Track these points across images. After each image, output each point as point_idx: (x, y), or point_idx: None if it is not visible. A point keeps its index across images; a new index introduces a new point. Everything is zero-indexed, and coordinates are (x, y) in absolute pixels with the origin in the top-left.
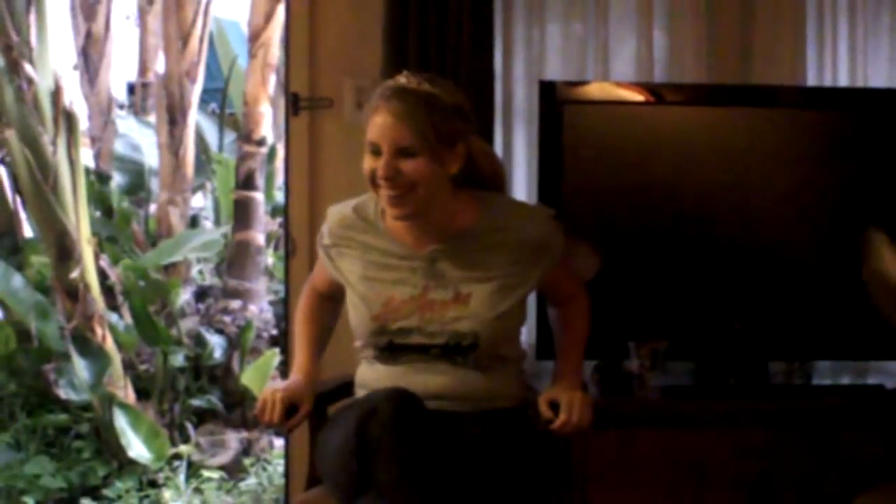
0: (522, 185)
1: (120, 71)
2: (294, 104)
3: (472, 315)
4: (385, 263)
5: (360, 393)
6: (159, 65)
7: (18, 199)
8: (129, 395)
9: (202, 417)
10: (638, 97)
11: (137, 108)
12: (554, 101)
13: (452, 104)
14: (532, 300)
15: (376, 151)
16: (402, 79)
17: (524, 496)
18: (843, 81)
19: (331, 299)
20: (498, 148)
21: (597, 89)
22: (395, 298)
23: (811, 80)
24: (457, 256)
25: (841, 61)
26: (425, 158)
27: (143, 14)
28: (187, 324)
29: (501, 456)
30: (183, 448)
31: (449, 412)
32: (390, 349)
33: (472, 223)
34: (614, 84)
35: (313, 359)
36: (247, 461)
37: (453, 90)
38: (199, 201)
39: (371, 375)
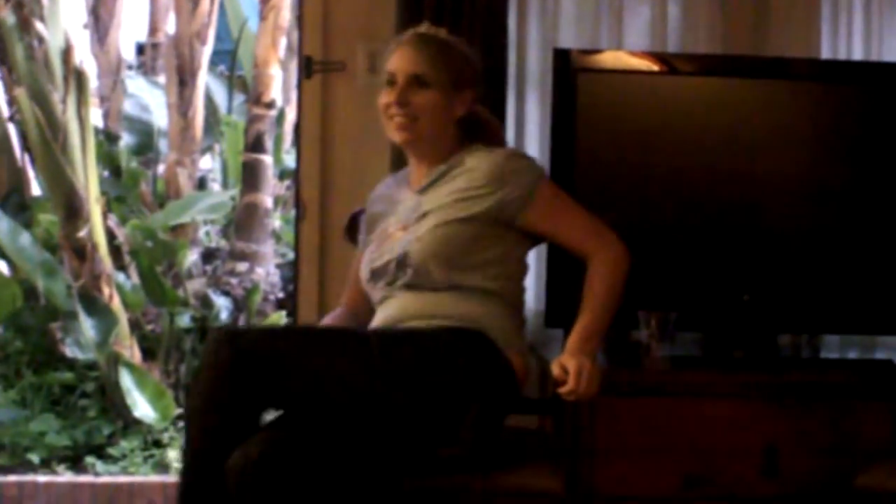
0: (535, 153)
1: (129, 31)
2: (307, 67)
3: (416, 231)
4: (395, 210)
5: None
6: (169, 25)
7: (27, 157)
8: (136, 355)
9: None
10: (652, 66)
11: (147, 68)
12: (568, 69)
13: (465, 53)
14: (540, 268)
15: (391, 82)
16: (422, 27)
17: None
18: (858, 55)
19: (357, 318)
20: (510, 115)
21: (611, 58)
22: (385, 231)
23: (825, 53)
24: (434, 189)
25: (856, 34)
26: (435, 92)
27: None
28: (194, 285)
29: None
30: None
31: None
32: (373, 277)
33: (449, 158)
34: (629, 53)
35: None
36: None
37: (468, 46)
38: (207, 163)
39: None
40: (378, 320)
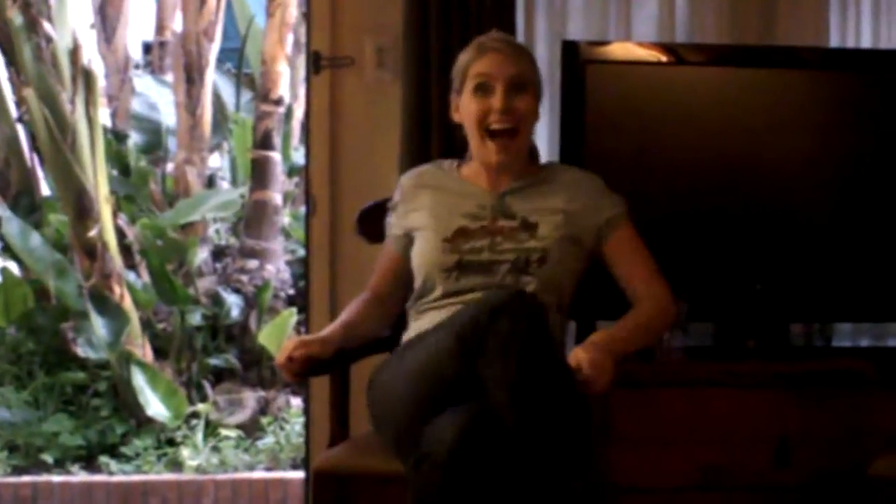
0: (544, 145)
1: (136, 30)
2: (315, 63)
3: (540, 237)
4: (455, 201)
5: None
6: (177, 23)
7: (36, 158)
8: (147, 354)
9: (219, 376)
10: (660, 57)
11: (155, 66)
12: (576, 60)
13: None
14: None
15: (485, 88)
16: (497, 33)
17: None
18: (866, 43)
19: (383, 305)
20: None
21: (619, 49)
22: (467, 228)
23: (834, 42)
24: (523, 195)
25: (864, 22)
26: (531, 97)
27: None
28: (204, 283)
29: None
30: (200, 407)
31: None
32: (459, 268)
33: (536, 170)
34: (637, 44)
35: (341, 326)
36: (264, 420)
37: None
38: (216, 161)
39: (427, 322)
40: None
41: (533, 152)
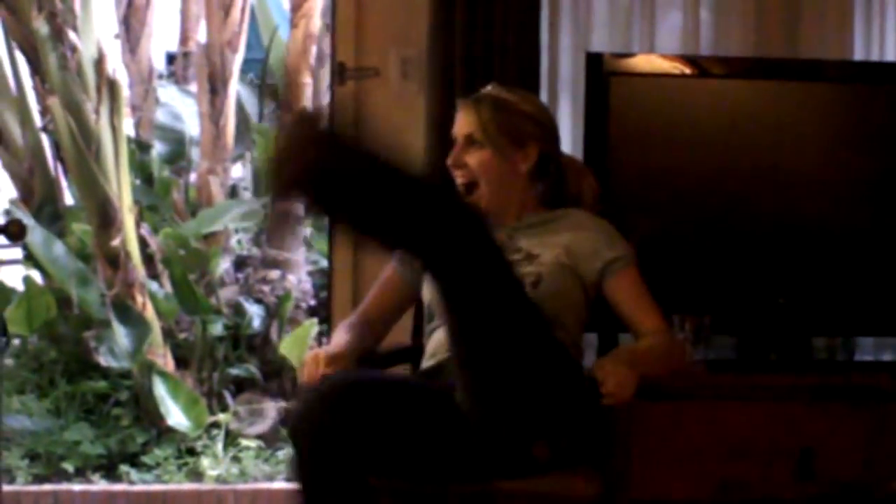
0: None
1: (160, 40)
2: (340, 74)
3: (538, 263)
4: None
5: (427, 363)
6: (201, 34)
7: (60, 167)
8: (169, 364)
9: (240, 386)
10: (684, 69)
11: (179, 77)
12: (600, 72)
13: (524, 109)
14: None
15: (453, 144)
16: (488, 88)
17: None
18: (891, 56)
19: (371, 327)
20: None
21: (643, 62)
22: None
23: (858, 55)
24: (532, 232)
25: (889, 35)
26: (489, 151)
27: None
28: (226, 293)
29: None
30: (221, 417)
31: None
32: None
33: (548, 212)
34: (661, 56)
35: (359, 338)
36: (284, 431)
37: (533, 101)
38: (239, 171)
39: (434, 342)
40: None
41: (549, 195)
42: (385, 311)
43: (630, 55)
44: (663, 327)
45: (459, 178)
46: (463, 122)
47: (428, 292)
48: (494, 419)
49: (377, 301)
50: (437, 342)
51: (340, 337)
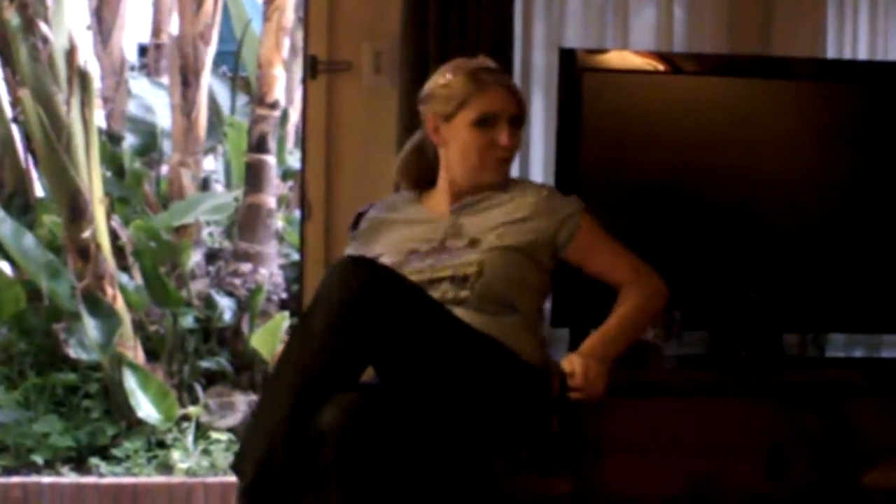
0: (539, 151)
1: (131, 32)
2: (312, 67)
3: (480, 251)
4: (413, 230)
5: None
6: (173, 26)
7: (31, 159)
8: (139, 356)
9: (211, 379)
10: (657, 66)
11: (150, 69)
12: (573, 68)
13: None
14: None
15: (487, 122)
16: (487, 60)
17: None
18: (863, 54)
19: None
20: None
21: (617, 58)
22: (417, 250)
23: (831, 53)
24: (474, 211)
25: (861, 34)
26: (520, 130)
27: None
28: (197, 286)
29: (488, 393)
30: (192, 409)
31: None
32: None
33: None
34: (634, 53)
35: None
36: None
37: None
38: (211, 164)
39: None
40: None
41: None
42: None
43: (603, 51)
44: (635, 276)
45: (508, 154)
46: (507, 102)
47: None
48: (445, 444)
49: None
50: None
51: None
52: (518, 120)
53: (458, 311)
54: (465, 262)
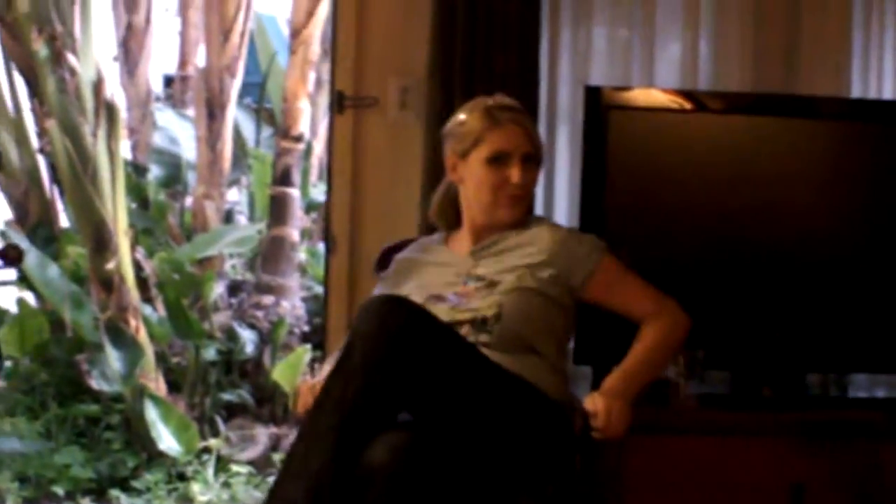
0: (564, 189)
1: (158, 63)
2: (339, 102)
3: (499, 293)
4: (437, 271)
5: None
6: (199, 58)
7: (56, 189)
8: (161, 388)
9: (232, 412)
10: (683, 104)
11: (176, 100)
12: (599, 105)
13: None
14: None
15: (500, 160)
16: (504, 98)
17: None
18: (888, 94)
19: None
20: None
21: (642, 95)
22: (441, 294)
23: (856, 92)
24: (491, 253)
25: (886, 73)
26: (537, 168)
27: (184, 7)
28: (220, 318)
29: (517, 430)
30: (212, 442)
31: None
32: None
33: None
34: (660, 90)
35: None
36: (276, 456)
37: None
38: (235, 196)
39: None
40: None
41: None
42: None
43: (628, 88)
44: (656, 308)
45: (520, 193)
46: (520, 140)
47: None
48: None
49: None
50: None
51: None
52: (532, 158)
53: (483, 352)
54: (484, 304)
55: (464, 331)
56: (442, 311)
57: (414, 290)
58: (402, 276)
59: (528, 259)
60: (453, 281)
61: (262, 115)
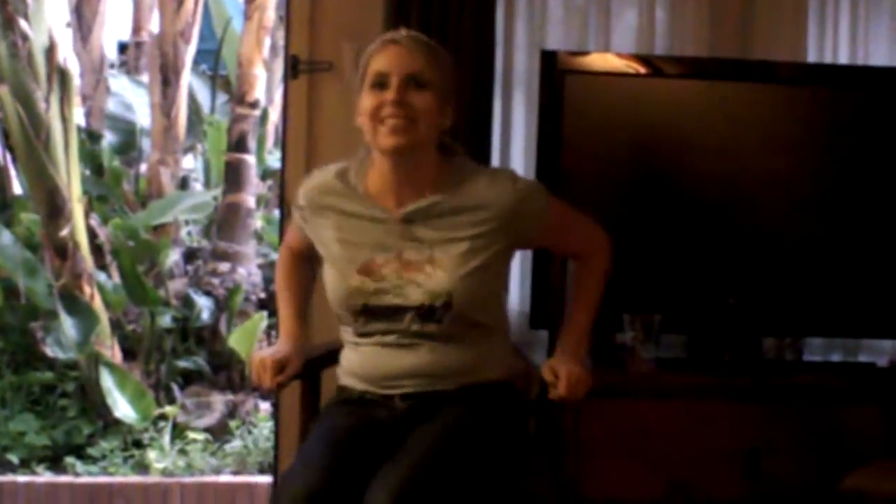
0: (520, 153)
1: (111, 29)
2: (293, 67)
3: (444, 276)
4: (363, 227)
5: (343, 378)
6: (153, 24)
7: (9, 156)
8: (116, 355)
9: (188, 379)
10: (639, 69)
11: (130, 67)
12: (555, 70)
13: (450, 63)
14: (525, 269)
15: (382, 83)
16: (407, 31)
17: (510, 471)
18: (844, 59)
19: (307, 259)
20: (497, 116)
21: (598, 60)
22: (374, 261)
23: (811, 57)
24: (429, 218)
25: (842, 38)
26: (433, 94)
27: None
28: (175, 285)
29: (486, 435)
30: (168, 409)
31: (430, 392)
32: (365, 313)
33: (440, 182)
34: (616, 55)
35: (299, 323)
36: (232, 423)
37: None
38: (190, 163)
39: (351, 358)
40: (410, 367)
41: (449, 152)
42: (308, 249)
43: (585, 53)
44: (590, 245)
45: (398, 118)
46: (403, 61)
47: (330, 298)
48: None
49: (301, 242)
50: (354, 361)
51: (286, 328)
52: (420, 81)
53: (425, 348)
54: (430, 291)
55: (408, 318)
56: (385, 288)
57: (339, 253)
58: (321, 217)
59: (475, 229)
60: (386, 244)
61: (217, 81)
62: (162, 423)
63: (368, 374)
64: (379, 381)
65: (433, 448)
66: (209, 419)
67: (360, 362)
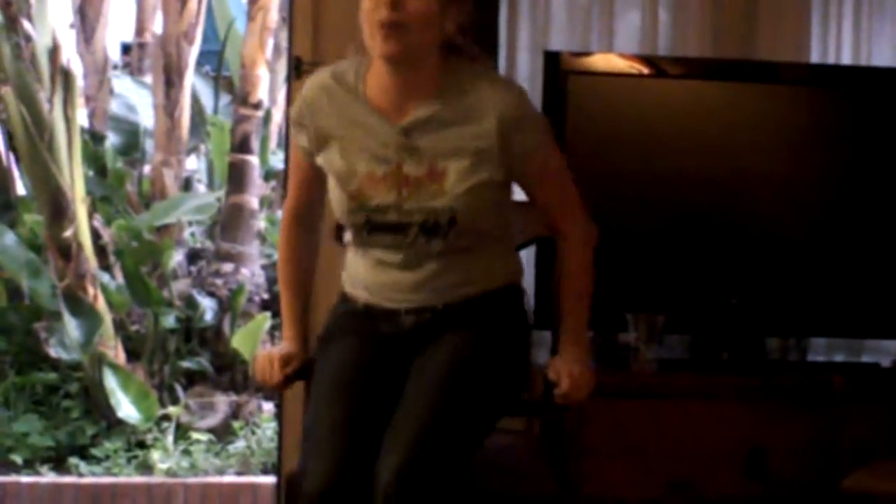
0: None
1: (114, 30)
2: (296, 68)
3: (447, 191)
4: (362, 135)
5: (347, 286)
6: (157, 25)
7: (13, 157)
8: (120, 356)
9: (192, 379)
10: (642, 69)
11: (133, 68)
12: (558, 71)
13: None
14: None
15: None
16: None
17: (514, 390)
18: (847, 60)
19: (310, 227)
20: None
21: (601, 61)
22: (374, 174)
23: (815, 58)
24: (429, 129)
25: (845, 39)
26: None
27: None
28: (179, 286)
29: (491, 368)
30: (172, 409)
31: (435, 307)
32: (367, 228)
33: (443, 88)
34: (619, 56)
35: (300, 327)
36: (236, 424)
37: None
38: (193, 164)
39: (355, 267)
40: (413, 281)
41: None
42: (314, 202)
43: (588, 54)
44: (576, 222)
45: (391, 17)
46: None
47: (333, 209)
48: None
49: (302, 188)
50: (358, 271)
51: (288, 326)
52: None
53: (430, 261)
54: (434, 208)
55: (412, 233)
56: (387, 203)
57: (334, 159)
58: (322, 121)
59: (476, 142)
60: (385, 155)
61: (221, 82)
62: (165, 424)
63: (372, 285)
64: (384, 294)
65: (436, 404)
66: (213, 420)
67: (364, 272)
